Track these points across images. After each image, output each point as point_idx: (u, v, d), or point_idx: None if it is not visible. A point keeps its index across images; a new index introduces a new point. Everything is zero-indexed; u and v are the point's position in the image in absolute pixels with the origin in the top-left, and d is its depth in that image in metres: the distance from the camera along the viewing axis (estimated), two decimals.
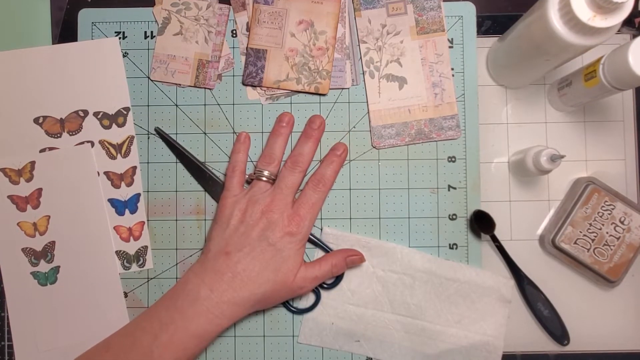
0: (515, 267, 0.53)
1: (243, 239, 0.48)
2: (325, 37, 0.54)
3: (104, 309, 0.53)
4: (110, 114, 0.54)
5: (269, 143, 0.52)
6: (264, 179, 0.51)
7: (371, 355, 0.53)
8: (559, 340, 0.53)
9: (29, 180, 0.54)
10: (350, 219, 0.54)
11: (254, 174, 0.52)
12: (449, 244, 0.54)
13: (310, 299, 0.53)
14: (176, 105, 0.55)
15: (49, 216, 0.54)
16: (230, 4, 0.55)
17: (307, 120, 0.53)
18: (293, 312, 0.53)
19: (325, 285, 0.53)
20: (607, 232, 0.51)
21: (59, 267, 0.53)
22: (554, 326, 0.52)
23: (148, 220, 0.54)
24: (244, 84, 0.54)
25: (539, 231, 0.54)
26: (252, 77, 0.54)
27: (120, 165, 0.54)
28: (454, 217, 0.54)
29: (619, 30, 0.43)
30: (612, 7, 0.38)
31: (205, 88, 0.55)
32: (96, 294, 0.53)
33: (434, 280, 0.53)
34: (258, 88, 0.54)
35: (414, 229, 0.54)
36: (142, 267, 0.54)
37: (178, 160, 0.54)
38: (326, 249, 0.53)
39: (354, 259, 0.51)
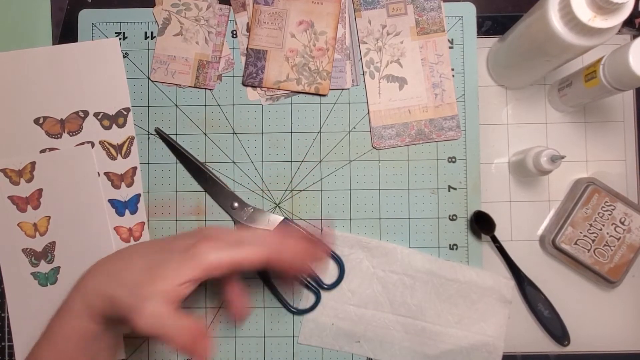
0: (515, 267, 0.53)
1: None
2: (326, 37, 0.54)
3: None
4: (111, 114, 0.54)
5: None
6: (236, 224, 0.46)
7: (371, 356, 0.53)
8: (559, 340, 0.53)
9: (29, 180, 0.54)
10: (351, 219, 0.54)
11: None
12: (449, 245, 0.54)
13: (310, 299, 0.53)
14: (176, 105, 0.55)
15: (50, 217, 0.54)
16: (230, 5, 0.55)
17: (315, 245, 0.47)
18: (293, 312, 0.53)
19: (325, 286, 0.53)
20: (607, 233, 0.51)
21: (59, 267, 0.54)
22: (554, 327, 0.52)
23: (148, 220, 0.54)
24: (244, 84, 0.54)
25: (539, 232, 0.54)
26: (252, 78, 0.54)
27: (120, 165, 0.54)
28: (454, 217, 0.54)
29: (619, 31, 0.43)
30: (612, 7, 0.38)
31: (205, 89, 0.55)
32: None
33: (434, 281, 0.53)
34: (258, 89, 0.54)
35: (414, 230, 0.54)
36: None
37: (178, 161, 0.54)
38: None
39: (195, 346, 0.38)
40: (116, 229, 0.54)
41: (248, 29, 0.55)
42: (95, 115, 0.54)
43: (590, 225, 0.51)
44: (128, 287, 0.38)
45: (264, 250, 0.40)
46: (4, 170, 0.54)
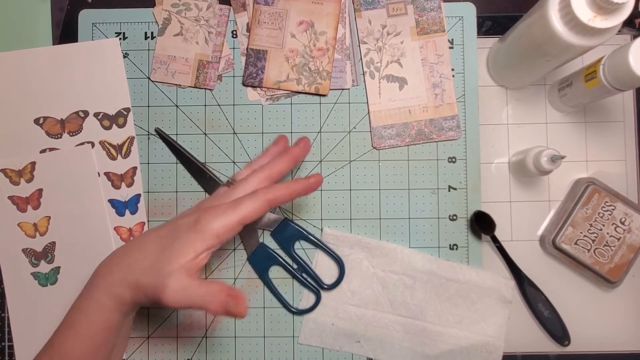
0: (515, 267, 0.53)
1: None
2: (326, 37, 0.54)
3: None
4: (111, 114, 0.54)
5: (258, 157, 0.50)
6: (226, 183, 0.48)
7: (371, 356, 0.53)
8: (559, 340, 0.53)
9: (29, 180, 0.54)
10: (351, 219, 0.54)
11: None
12: (450, 245, 0.54)
13: (310, 299, 0.53)
14: (176, 105, 0.55)
15: (50, 217, 0.54)
16: (230, 5, 0.55)
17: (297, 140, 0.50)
18: (293, 312, 0.53)
19: (325, 286, 0.53)
20: (607, 233, 0.51)
21: (59, 267, 0.54)
22: (554, 327, 0.52)
23: (148, 220, 0.54)
24: (244, 84, 0.54)
25: (540, 232, 0.54)
26: (252, 78, 0.54)
27: (120, 165, 0.54)
28: (455, 217, 0.54)
29: (619, 31, 0.43)
30: (612, 7, 0.38)
31: (205, 89, 0.55)
32: None
33: (435, 281, 0.53)
34: (258, 89, 0.54)
35: (415, 230, 0.54)
36: None
37: (178, 161, 0.54)
38: (326, 250, 0.53)
39: (229, 304, 0.40)
40: (116, 229, 0.54)
41: (248, 29, 0.55)
42: (96, 115, 0.54)
43: (591, 225, 0.51)
44: (149, 271, 0.41)
45: (261, 202, 0.43)
46: (4, 170, 0.54)
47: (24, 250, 0.54)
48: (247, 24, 0.55)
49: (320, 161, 0.54)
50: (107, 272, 0.44)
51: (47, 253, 0.54)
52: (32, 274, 0.54)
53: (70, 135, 0.54)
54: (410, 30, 0.54)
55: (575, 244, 0.51)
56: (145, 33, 0.55)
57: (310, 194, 0.46)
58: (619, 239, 0.51)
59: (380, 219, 0.54)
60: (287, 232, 0.53)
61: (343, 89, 0.55)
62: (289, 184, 0.44)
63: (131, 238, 0.54)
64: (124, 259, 0.44)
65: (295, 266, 0.54)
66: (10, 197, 0.54)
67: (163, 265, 0.41)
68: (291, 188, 0.44)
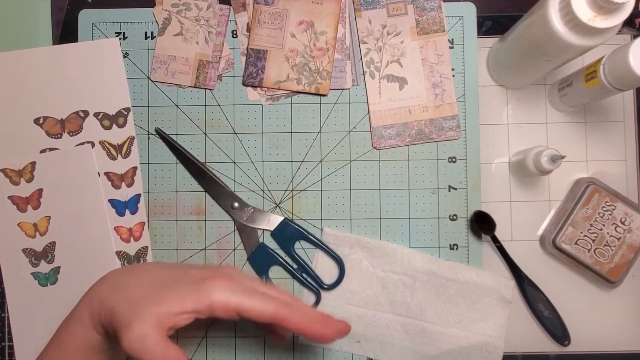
0: (515, 267, 0.53)
1: None
2: (326, 37, 0.54)
3: None
4: (111, 114, 0.54)
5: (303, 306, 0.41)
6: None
7: (371, 356, 0.53)
8: (559, 340, 0.53)
9: (29, 180, 0.54)
10: (351, 219, 0.54)
11: None
12: (450, 245, 0.54)
13: (310, 299, 0.53)
14: (176, 105, 0.55)
15: (50, 217, 0.54)
16: (230, 5, 0.55)
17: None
18: None
19: (325, 286, 0.53)
20: (607, 233, 0.51)
21: (59, 267, 0.54)
22: (554, 327, 0.52)
23: (148, 220, 0.54)
24: (244, 84, 0.54)
25: (540, 232, 0.54)
26: (252, 78, 0.54)
27: (120, 165, 0.54)
28: (455, 217, 0.54)
29: (619, 31, 0.43)
30: (612, 7, 0.38)
31: (205, 88, 0.55)
32: None
33: (435, 281, 0.52)
34: (258, 88, 0.54)
35: (415, 230, 0.54)
36: None
37: (178, 161, 0.54)
38: (326, 250, 0.53)
39: None
40: (116, 229, 0.54)
41: (248, 29, 0.55)
42: (96, 115, 0.54)
43: (591, 225, 0.51)
44: (130, 303, 0.37)
45: (271, 308, 0.37)
46: (4, 170, 0.54)
47: (24, 250, 0.54)
48: (247, 23, 0.55)
49: (320, 161, 0.54)
50: (97, 286, 0.41)
51: (47, 253, 0.54)
52: (32, 274, 0.54)
53: (70, 135, 0.54)
54: (410, 30, 0.54)
55: (576, 243, 0.51)
56: (145, 33, 0.55)
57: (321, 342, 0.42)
58: (619, 239, 0.51)
59: (380, 219, 0.54)
60: (287, 232, 0.53)
61: (343, 89, 0.55)
62: (311, 322, 0.39)
63: (128, 244, 0.54)
64: (116, 280, 0.41)
65: (295, 266, 0.54)
66: (10, 197, 0.54)
67: (143, 304, 0.36)
68: (308, 324, 0.39)
